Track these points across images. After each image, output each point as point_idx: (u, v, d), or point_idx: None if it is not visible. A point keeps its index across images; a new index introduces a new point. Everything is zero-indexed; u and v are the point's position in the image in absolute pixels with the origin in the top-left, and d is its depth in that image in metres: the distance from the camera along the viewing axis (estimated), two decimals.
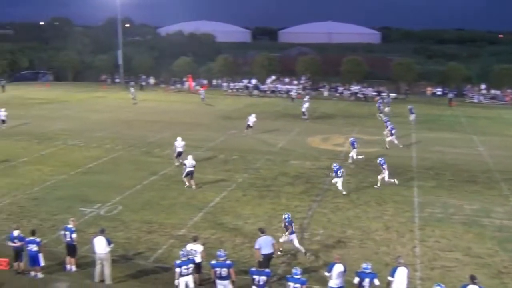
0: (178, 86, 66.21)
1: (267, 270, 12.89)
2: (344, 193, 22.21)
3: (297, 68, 66.32)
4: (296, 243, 16.21)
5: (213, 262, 13.15)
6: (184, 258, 13.22)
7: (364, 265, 12.69)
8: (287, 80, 64.35)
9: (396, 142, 31.42)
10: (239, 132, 35.66)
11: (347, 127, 39.07)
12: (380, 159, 24.03)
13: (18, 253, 14.65)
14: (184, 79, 66.73)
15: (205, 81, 66.90)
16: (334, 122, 42.22)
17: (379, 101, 47.77)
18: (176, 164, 26.50)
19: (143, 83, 68.38)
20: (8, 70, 75.52)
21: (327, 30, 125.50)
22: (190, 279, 13.29)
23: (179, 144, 26.58)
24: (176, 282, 13.20)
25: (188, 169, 22.85)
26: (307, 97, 50.03)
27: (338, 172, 22.28)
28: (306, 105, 43.49)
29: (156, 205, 20.75)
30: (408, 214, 20.13)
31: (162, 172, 25.52)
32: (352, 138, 28.85)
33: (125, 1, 74.82)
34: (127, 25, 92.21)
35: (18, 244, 14.58)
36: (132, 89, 54.10)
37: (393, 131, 31.42)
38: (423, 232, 18.35)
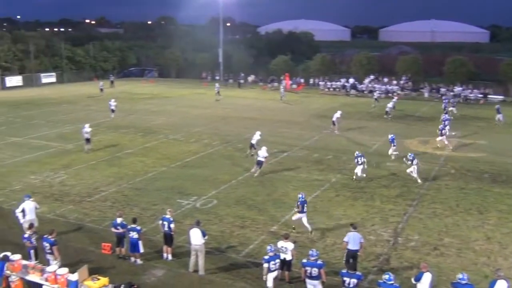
0: (275, 84, 66.76)
1: (358, 273, 12.69)
2: (354, 178, 23.81)
3: (397, 68, 64.34)
4: (304, 221, 17.63)
5: (304, 260, 13.17)
6: (271, 254, 13.43)
7: (460, 276, 12.08)
8: (386, 79, 62.66)
9: (446, 143, 30.73)
10: (333, 132, 35.31)
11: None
12: (410, 154, 24.41)
13: (120, 239, 15.63)
14: (282, 77, 67.17)
15: (302, 80, 66.86)
16: (435, 124, 40.43)
17: (445, 100, 46.33)
18: (248, 153, 28.24)
19: (242, 81, 69.76)
20: (117, 66, 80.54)
21: (430, 29, 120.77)
22: (276, 274, 13.49)
23: (256, 137, 28.35)
24: (264, 277, 13.42)
25: (258, 159, 24.65)
26: (396, 98, 48.87)
27: (359, 159, 23.76)
28: (391, 104, 42.97)
29: (250, 201, 21.13)
30: None
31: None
32: (391, 136, 28.63)
33: (228, 1, 76.71)
34: (228, 24, 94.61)
35: (120, 230, 15.55)
36: (217, 85, 55.81)
37: (443, 131, 31.05)
38: None
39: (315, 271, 12.96)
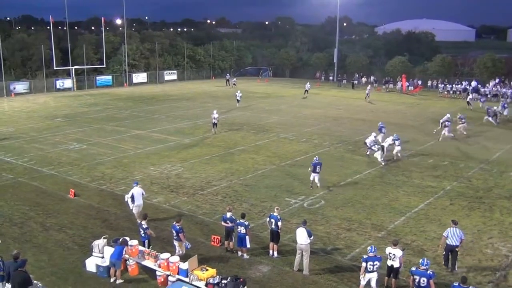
0: (391, 86, 64.90)
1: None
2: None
3: None
4: (316, 179, 22.20)
5: (413, 269, 12.79)
6: (371, 254, 13.29)
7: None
8: None
9: (446, 134, 32.70)
10: (450, 137, 33.56)
11: None
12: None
13: (228, 233, 16.15)
14: (398, 79, 65.17)
15: (420, 82, 64.28)
16: None
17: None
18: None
19: (355, 82, 68.73)
20: (234, 65, 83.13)
21: None
22: (374, 277, 13.27)
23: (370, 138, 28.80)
24: (360, 276, 13.36)
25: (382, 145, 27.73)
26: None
27: (373, 146, 26.78)
28: (506, 111, 41.17)
29: (358, 204, 20.79)
30: None
31: (366, 172, 25.44)
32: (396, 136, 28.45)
33: (346, 0, 75.90)
34: (344, 24, 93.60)
35: (229, 225, 16.06)
36: (307, 85, 57.43)
37: (447, 123, 33.04)
38: None
39: (423, 280, 12.47)
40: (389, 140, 28.01)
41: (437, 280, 13.49)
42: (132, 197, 18.24)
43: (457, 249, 14.90)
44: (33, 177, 24.25)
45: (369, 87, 55.91)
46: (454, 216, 19.28)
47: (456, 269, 14.93)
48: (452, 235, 14.89)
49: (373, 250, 13.37)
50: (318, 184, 22.38)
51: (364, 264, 13.30)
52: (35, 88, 59.24)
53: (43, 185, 23.03)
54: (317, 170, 22.40)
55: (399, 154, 27.80)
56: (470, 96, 49.23)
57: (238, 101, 47.44)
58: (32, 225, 18.34)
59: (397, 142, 27.62)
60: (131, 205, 18.42)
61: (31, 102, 51.01)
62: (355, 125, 38.28)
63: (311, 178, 22.56)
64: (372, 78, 69.18)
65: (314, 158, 23.22)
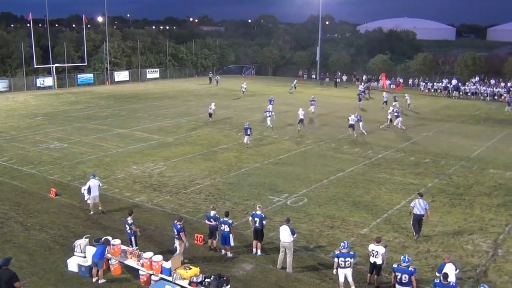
0: (372, 83, 65.29)
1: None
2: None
3: (506, 69, 60.42)
4: (248, 141, 29.62)
5: (395, 266, 12.86)
6: (344, 250, 13.40)
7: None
8: (493, 81, 59.06)
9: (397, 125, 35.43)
10: (432, 135, 33.93)
11: None
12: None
13: (212, 232, 16.11)
14: (379, 77, 65.68)
15: (401, 80, 64.83)
16: None
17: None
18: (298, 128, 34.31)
19: (338, 80, 69.06)
20: (217, 63, 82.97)
21: None
22: (348, 272, 13.39)
23: (301, 112, 35.48)
24: (334, 271, 13.56)
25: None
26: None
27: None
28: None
29: (341, 201, 20.89)
30: None
31: (349, 169, 25.58)
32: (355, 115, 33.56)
33: None
34: (327, 22, 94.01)
35: (213, 223, 16.02)
36: (294, 81, 61.05)
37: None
38: None
39: (405, 277, 12.58)
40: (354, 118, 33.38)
41: (419, 276, 13.63)
42: (89, 189, 18.90)
43: (423, 218, 17.08)
44: (13, 177, 23.92)
45: (361, 87, 55.40)
46: (435, 213, 19.54)
47: (420, 234, 17.13)
48: (418, 206, 17.04)
49: (345, 246, 13.45)
50: (249, 144, 29.64)
51: (336, 259, 13.43)
52: (14, 86, 58.47)
53: (24, 185, 22.73)
54: (248, 133, 29.68)
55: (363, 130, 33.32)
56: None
57: (243, 92, 54.19)
58: (13, 225, 18.09)
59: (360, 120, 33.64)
60: (86, 196, 19.07)
61: (11, 101, 50.29)
62: (337, 123, 38.42)
63: (245, 140, 29.77)
64: (364, 77, 68.47)
65: (245, 124, 30.65)
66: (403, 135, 34.34)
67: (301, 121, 35.13)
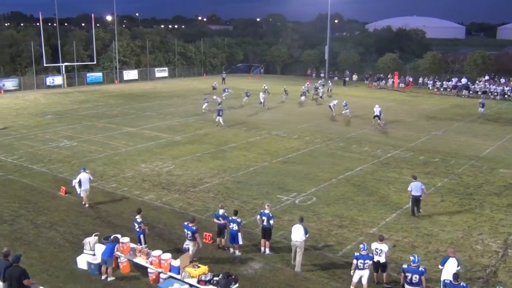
0: (383, 83, 64.98)
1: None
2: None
3: None
4: (221, 121, 34.34)
5: (405, 266, 12.81)
6: (363, 252, 13.33)
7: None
8: (503, 80, 58.60)
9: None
10: (441, 134, 33.75)
11: None
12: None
13: (221, 230, 16.12)
14: (389, 76, 65.36)
15: (411, 79, 64.52)
16: None
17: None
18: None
19: (347, 79, 68.79)
20: (226, 62, 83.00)
21: None
22: (365, 274, 13.33)
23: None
24: (351, 272, 13.45)
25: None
26: None
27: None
28: None
29: (349, 201, 20.84)
30: None
31: (358, 168, 25.51)
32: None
33: None
34: (336, 21, 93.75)
35: (222, 222, 16.03)
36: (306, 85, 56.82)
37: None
38: None
39: (416, 277, 12.52)
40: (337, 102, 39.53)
41: (429, 276, 13.56)
42: (80, 182, 19.53)
43: (420, 198, 18.62)
44: (23, 175, 24.08)
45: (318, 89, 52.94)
46: (445, 212, 19.45)
47: (420, 211, 18.90)
48: (415, 188, 18.53)
49: (365, 248, 13.39)
50: (222, 123, 34.42)
51: (355, 261, 13.34)
52: (24, 85, 58.78)
53: (34, 183, 22.88)
54: (220, 114, 34.45)
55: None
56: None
57: (268, 93, 50.04)
58: (23, 222, 18.23)
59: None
60: (78, 190, 19.69)
61: (21, 99, 50.61)
62: (346, 122, 38.33)
63: (216, 119, 34.75)
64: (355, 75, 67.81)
65: (218, 106, 35.59)
66: (412, 134, 34.16)
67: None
